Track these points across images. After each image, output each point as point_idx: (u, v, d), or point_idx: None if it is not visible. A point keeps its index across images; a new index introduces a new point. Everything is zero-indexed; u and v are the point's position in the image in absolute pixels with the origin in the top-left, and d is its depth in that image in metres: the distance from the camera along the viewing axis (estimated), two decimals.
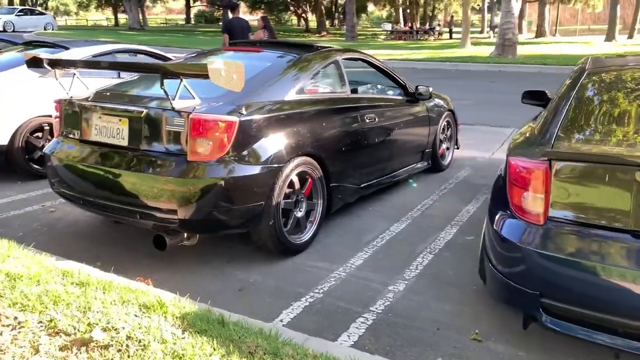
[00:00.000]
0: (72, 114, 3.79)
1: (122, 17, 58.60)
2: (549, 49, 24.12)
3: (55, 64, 3.83)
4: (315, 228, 3.95)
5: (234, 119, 3.32)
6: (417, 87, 5.33)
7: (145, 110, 3.38)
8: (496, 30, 39.35)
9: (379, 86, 5.17)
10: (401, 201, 5.02)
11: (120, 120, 3.47)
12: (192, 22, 63.12)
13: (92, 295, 2.56)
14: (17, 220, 4.44)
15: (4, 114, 5.23)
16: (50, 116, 5.48)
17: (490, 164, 6.41)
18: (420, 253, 3.84)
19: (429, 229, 4.31)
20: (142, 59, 6.71)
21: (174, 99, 3.25)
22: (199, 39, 33.51)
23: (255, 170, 3.39)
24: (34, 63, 3.86)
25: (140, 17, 45.09)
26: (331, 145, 4.04)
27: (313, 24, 52.68)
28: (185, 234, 3.45)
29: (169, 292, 2.95)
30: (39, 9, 43.12)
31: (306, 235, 3.87)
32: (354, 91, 4.64)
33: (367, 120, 4.50)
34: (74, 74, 3.83)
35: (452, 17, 45.96)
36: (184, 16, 67.36)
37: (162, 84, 3.19)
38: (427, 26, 43.09)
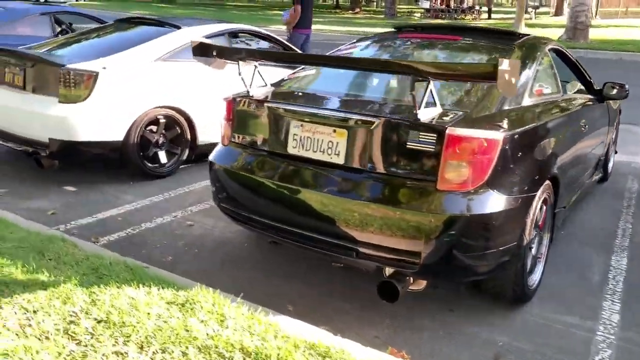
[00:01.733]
0: (252, 117, 3.02)
1: None
2: (612, 32, 22.72)
3: (226, 53, 3.05)
4: (542, 267, 3.17)
5: (498, 136, 2.52)
6: (604, 84, 4.45)
7: (377, 121, 2.58)
8: (536, 12, 37.80)
9: (572, 83, 4.32)
10: (590, 222, 4.20)
11: (335, 131, 2.67)
12: None
13: None
14: (154, 237, 3.71)
15: (119, 104, 4.46)
16: (168, 108, 4.72)
17: None
18: None
19: None
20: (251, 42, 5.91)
21: (419, 108, 2.46)
22: (232, 14, 32.43)
23: (513, 202, 2.60)
24: (202, 51, 3.07)
25: None
26: (565, 163, 3.24)
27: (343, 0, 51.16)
28: (412, 279, 2.69)
29: None
30: None
31: (536, 277, 3.09)
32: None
33: (583, 128, 3.67)
34: (255, 66, 3.04)
35: None
36: None
37: (412, 89, 2.40)
38: (464, 5, 41.38)
